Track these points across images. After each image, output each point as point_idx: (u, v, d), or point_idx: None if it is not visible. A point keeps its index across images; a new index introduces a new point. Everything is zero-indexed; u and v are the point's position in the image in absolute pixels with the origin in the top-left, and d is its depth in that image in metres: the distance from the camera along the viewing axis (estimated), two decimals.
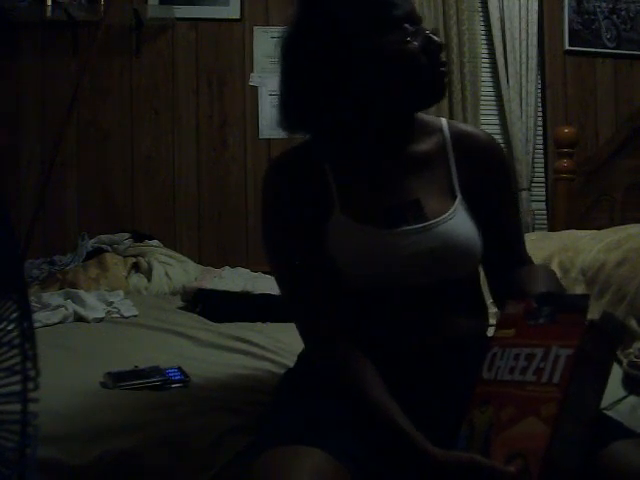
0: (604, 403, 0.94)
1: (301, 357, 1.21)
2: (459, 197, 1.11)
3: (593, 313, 1.61)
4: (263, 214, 1.13)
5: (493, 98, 3.41)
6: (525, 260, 1.19)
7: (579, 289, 1.75)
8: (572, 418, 0.81)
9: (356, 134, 1.12)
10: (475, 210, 1.11)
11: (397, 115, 1.11)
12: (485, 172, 1.14)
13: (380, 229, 1.06)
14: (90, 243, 2.90)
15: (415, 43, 1.04)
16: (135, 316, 2.02)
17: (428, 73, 1.05)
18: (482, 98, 3.35)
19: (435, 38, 1.06)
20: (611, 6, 3.49)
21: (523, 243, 1.21)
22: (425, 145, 1.14)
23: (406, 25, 1.05)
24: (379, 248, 1.05)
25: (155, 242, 2.97)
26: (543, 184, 3.46)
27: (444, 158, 1.13)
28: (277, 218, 1.11)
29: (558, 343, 0.85)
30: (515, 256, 1.17)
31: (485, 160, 1.15)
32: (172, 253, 2.88)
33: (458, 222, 1.08)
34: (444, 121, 1.17)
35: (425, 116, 1.17)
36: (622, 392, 1.31)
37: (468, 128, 1.21)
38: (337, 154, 1.12)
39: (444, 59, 1.07)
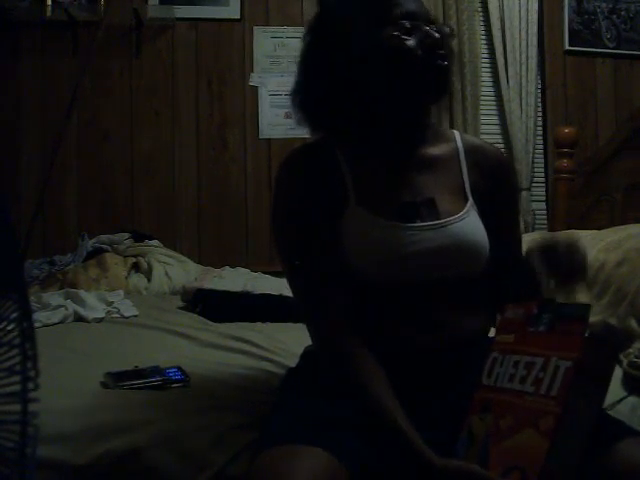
0: (604, 403, 0.94)
1: (304, 356, 1.22)
2: (470, 200, 1.13)
3: (593, 314, 1.61)
4: (275, 208, 1.14)
5: (493, 98, 3.41)
6: None
7: (579, 289, 1.75)
8: (570, 431, 0.81)
9: (371, 132, 1.13)
10: (482, 217, 1.13)
11: (408, 113, 1.12)
12: (493, 184, 1.16)
13: (394, 223, 1.07)
14: (90, 243, 2.90)
15: (409, 38, 1.06)
16: (135, 316, 2.02)
17: (424, 67, 1.06)
18: (482, 98, 3.35)
19: (432, 32, 1.06)
20: (611, 6, 3.49)
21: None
22: (439, 150, 1.17)
23: (402, 21, 1.06)
24: (392, 241, 1.06)
25: (155, 242, 2.96)
26: (543, 184, 3.45)
27: (456, 164, 1.16)
28: (290, 213, 1.11)
29: (558, 354, 0.85)
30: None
31: (494, 172, 1.17)
32: (172, 253, 2.88)
33: (469, 223, 1.10)
34: (456, 132, 1.22)
35: (439, 127, 1.22)
36: (622, 392, 1.31)
37: (480, 141, 1.25)
38: (353, 150, 1.13)
39: (444, 52, 1.07)
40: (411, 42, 1.06)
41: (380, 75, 1.07)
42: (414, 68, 1.06)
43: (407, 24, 1.06)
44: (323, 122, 1.14)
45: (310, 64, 1.13)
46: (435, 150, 1.16)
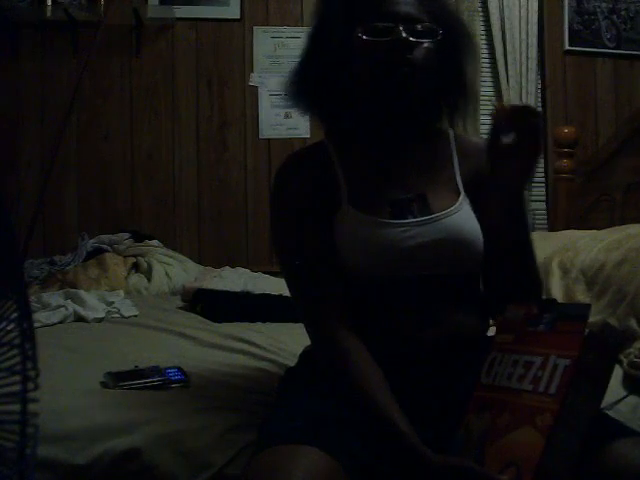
0: (604, 403, 0.94)
1: (302, 356, 1.22)
2: (462, 194, 1.13)
3: (593, 314, 1.61)
4: (272, 210, 1.15)
5: (493, 98, 3.41)
6: None
7: (579, 289, 1.75)
8: (567, 429, 0.82)
9: (363, 130, 1.14)
10: (480, 213, 1.13)
11: (389, 113, 1.11)
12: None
13: (386, 220, 1.08)
14: (90, 243, 2.90)
15: (379, 41, 1.05)
16: (135, 316, 2.02)
17: (382, 73, 1.05)
18: (482, 98, 3.35)
19: (400, 35, 1.04)
20: (611, 6, 3.49)
21: None
22: (431, 147, 1.17)
23: (377, 24, 1.05)
24: (385, 238, 1.07)
25: (155, 242, 2.97)
26: (543, 184, 3.45)
27: (449, 160, 1.17)
28: (287, 216, 1.12)
29: (557, 352, 0.85)
30: None
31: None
32: (172, 253, 2.88)
33: (463, 216, 1.10)
34: (450, 131, 1.21)
35: (434, 125, 1.20)
36: (622, 392, 1.31)
37: (472, 138, 1.27)
38: (347, 149, 1.14)
39: (411, 56, 1.04)
40: (379, 45, 1.04)
41: (352, 76, 1.08)
42: (375, 71, 1.06)
43: (380, 25, 1.05)
44: (320, 114, 1.17)
45: (307, 60, 1.15)
46: (427, 147, 1.17)
